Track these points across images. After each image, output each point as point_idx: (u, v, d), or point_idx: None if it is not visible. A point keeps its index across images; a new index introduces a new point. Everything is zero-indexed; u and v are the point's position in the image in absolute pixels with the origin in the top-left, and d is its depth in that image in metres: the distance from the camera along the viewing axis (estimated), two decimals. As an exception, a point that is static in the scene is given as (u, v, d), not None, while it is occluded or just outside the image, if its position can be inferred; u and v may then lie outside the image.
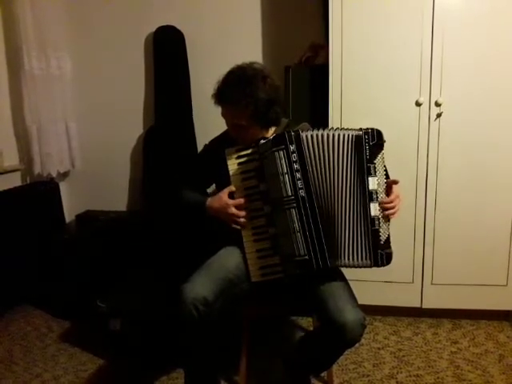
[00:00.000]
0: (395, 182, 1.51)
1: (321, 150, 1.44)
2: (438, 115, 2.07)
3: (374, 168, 1.43)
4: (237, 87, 1.51)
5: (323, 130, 1.45)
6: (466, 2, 1.98)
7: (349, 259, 1.43)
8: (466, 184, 2.12)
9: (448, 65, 2.03)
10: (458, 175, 2.12)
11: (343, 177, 1.44)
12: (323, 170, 1.44)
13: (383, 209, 1.45)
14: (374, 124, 2.07)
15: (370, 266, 1.44)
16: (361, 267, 1.44)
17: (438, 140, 2.09)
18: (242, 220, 1.55)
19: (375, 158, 1.44)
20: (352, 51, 2.08)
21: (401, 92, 2.08)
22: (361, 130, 1.45)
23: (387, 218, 1.47)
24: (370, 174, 1.43)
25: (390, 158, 2.10)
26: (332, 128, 1.47)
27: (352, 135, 1.44)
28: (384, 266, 1.43)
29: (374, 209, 1.43)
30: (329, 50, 2.09)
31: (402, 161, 2.13)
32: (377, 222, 1.43)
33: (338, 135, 1.44)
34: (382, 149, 1.46)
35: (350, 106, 2.12)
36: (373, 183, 1.43)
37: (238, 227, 1.56)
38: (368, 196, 1.43)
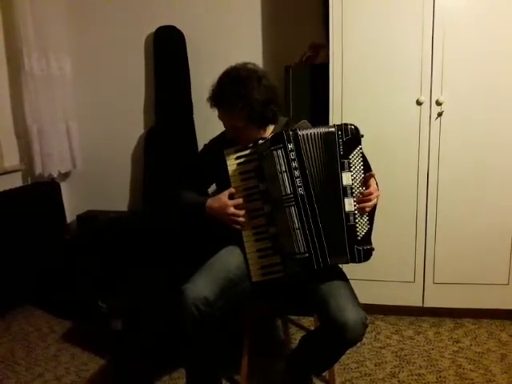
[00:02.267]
0: (371, 176, 1.49)
1: (314, 148, 1.45)
2: (439, 114, 2.07)
3: (349, 163, 1.44)
4: (232, 90, 1.51)
5: (318, 127, 1.47)
6: (467, 0, 1.98)
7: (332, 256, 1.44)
8: (467, 183, 2.11)
9: (449, 63, 2.03)
10: (460, 174, 2.11)
11: (323, 173, 1.44)
12: (319, 166, 1.45)
13: (359, 202, 1.45)
14: (375, 123, 2.09)
15: (347, 262, 1.44)
16: (339, 263, 1.45)
17: (439, 139, 2.09)
18: (242, 219, 1.55)
19: (350, 153, 1.44)
20: (352, 50, 2.08)
21: (401, 91, 2.08)
22: (334, 126, 1.45)
23: (366, 214, 1.46)
24: (343, 170, 1.43)
25: (391, 157, 2.13)
26: (326, 126, 1.48)
27: (323, 132, 1.45)
28: (362, 261, 1.43)
29: (349, 204, 1.43)
30: (329, 50, 2.09)
31: (403, 160, 2.13)
32: (352, 218, 1.43)
33: (316, 132, 1.45)
34: (358, 144, 1.46)
35: (351, 105, 2.12)
36: (347, 178, 1.43)
37: (238, 227, 1.56)
38: (342, 191, 1.43)
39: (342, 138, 1.44)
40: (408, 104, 2.08)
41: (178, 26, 2.73)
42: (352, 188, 1.44)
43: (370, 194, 1.46)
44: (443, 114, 2.06)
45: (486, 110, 2.05)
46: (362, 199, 1.45)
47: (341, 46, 2.08)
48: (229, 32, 2.72)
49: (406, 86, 2.07)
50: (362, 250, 1.43)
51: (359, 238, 1.44)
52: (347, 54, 2.08)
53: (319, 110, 2.22)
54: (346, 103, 2.12)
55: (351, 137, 1.44)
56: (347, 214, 1.43)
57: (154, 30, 2.76)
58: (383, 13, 2.04)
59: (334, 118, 2.13)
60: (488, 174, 2.10)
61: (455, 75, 2.03)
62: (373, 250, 1.45)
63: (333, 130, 1.45)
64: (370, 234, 1.46)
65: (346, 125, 1.45)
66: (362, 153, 1.45)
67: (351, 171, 1.44)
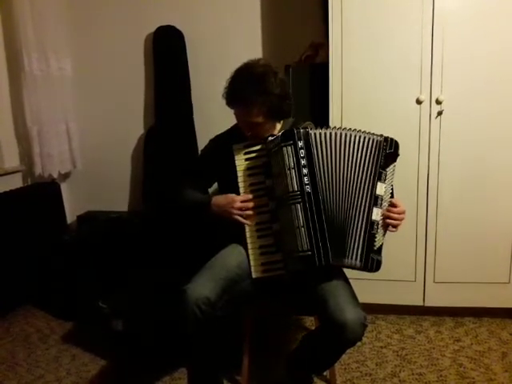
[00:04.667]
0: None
1: (330, 148, 1.45)
2: (439, 113, 2.07)
3: (385, 175, 1.45)
4: (250, 86, 1.50)
5: (331, 128, 1.46)
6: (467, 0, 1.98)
7: (343, 257, 1.43)
8: (467, 181, 2.11)
9: (449, 62, 2.03)
10: (460, 173, 2.11)
11: (353, 176, 1.44)
12: (332, 167, 1.44)
13: (387, 217, 1.46)
14: (375, 122, 2.09)
15: (360, 268, 1.43)
16: (350, 267, 1.44)
17: (439, 138, 2.09)
18: (249, 212, 1.54)
19: (387, 166, 1.46)
20: (352, 49, 2.08)
21: (401, 90, 2.08)
22: (382, 136, 1.47)
23: (386, 228, 1.47)
24: (380, 180, 1.44)
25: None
26: (341, 128, 1.47)
27: (373, 139, 1.46)
28: (373, 271, 1.43)
29: (376, 213, 1.44)
30: (329, 49, 2.09)
31: (403, 159, 2.07)
32: (375, 227, 1.43)
33: (357, 137, 1.45)
34: (395, 160, 1.47)
35: (351, 104, 2.12)
36: (380, 189, 1.44)
37: (246, 221, 1.55)
38: (374, 200, 1.44)
39: (385, 149, 1.45)
40: (408, 103, 2.08)
41: (177, 26, 2.73)
42: (382, 199, 1.45)
43: (401, 212, 1.48)
44: (443, 112, 2.06)
45: (485, 109, 2.05)
46: (392, 214, 1.46)
47: (340, 45, 2.08)
48: (228, 31, 2.72)
49: (405, 85, 2.07)
50: (375, 260, 1.42)
51: (375, 248, 1.43)
52: (347, 53, 2.08)
53: (319, 108, 2.22)
54: (346, 102, 2.12)
55: (393, 151, 1.46)
56: (372, 223, 1.43)
57: (153, 29, 2.76)
58: (383, 12, 2.04)
59: (334, 117, 2.13)
60: (488, 172, 2.10)
61: (455, 74, 2.03)
62: (381, 262, 1.44)
63: (380, 139, 1.46)
64: (382, 248, 1.46)
65: (391, 139, 1.47)
66: (394, 170, 1.47)
67: (385, 183, 1.45)
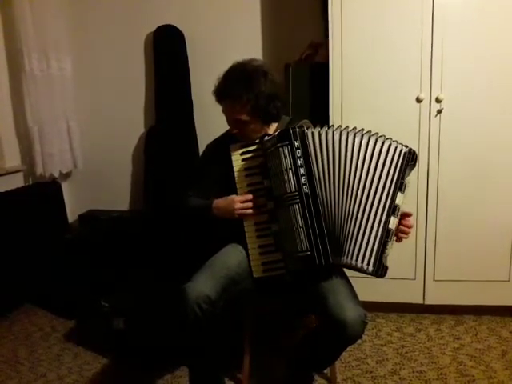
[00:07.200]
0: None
1: (332, 149, 1.43)
2: (439, 111, 2.07)
3: (405, 186, 1.45)
4: (238, 82, 1.52)
5: (333, 128, 1.45)
6: (466, -2, 1.98)
7: (352, 259, 1.41)
8: (467, 180, 2.12)
9: (448, 61, 2.03)
10: (460, 171, 2.11)
11: (368, 180, 1.43)
12: (331, 166, 1.43)
13: (399, 230, 1.47)
14: (376, 121, 2.09)
15: (371, 273, 1.42)
16: (361, 271, 1.43)
17: (438, 136, 2.09)
18: (249, 211, 1.54)
19: (406, 177, 1.46)
20: (352, 48, 2.08)
21: (401, 88, 2.08)
22: (407, 146, 1.46)
23: (395, 238, 1.48)
24: (400, 190, 1.44)
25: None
26: (334, 126, 1.46)
27: (396, 148, 1.45)
28: (381, 277, 1.43)
29: (393, 222, 1.43)
30: (328, 48, 2.09)
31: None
32: (390, 236, 1.43)
33: (381, 143, 1.44)
34: (410, 172, 1.48)
35: (351, 103, 2.12)
36: (399, 199, 1.44)
37: (247, 216, 1.55)
38: (392, 209, 1.43)
39: (408, 161, 1.46)
40: (408, 101, 2.08)
41: (177, 25, 2.73)
42: (399, 209, 1.44)
43: (411, 226, 1.49)
44: (443, 111, 2.06)
45: (485, 107, 2.05)
46: (404, 228, 1.47)
47: (340, 44, 2.08)
48: (229, 30, 2.72)
49: (405, 84, 2.08)
50: (384, 267, 1.42)
51: (385, 255, 1.43)
52: (347, 51, 2.08)
53: (319, 107, 2.22)
54: (346, 100, 2.12)
55: (413, 163, 1.47)
56: (388, 231, 1.42)
57: (153, 29, 2.76)
58: (382, 10, 2.04)
59: (334, 116, 2.13)
60: (488, 170, 2.10)
61: (455, 72, 2.03)
62: (388, 268, 1.45)
63: (406, 150, 1.46)
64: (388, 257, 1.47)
65: (414, 151, 1.47)
66: (409, 182, 1.48)
67: (403, 193, 1.45)
